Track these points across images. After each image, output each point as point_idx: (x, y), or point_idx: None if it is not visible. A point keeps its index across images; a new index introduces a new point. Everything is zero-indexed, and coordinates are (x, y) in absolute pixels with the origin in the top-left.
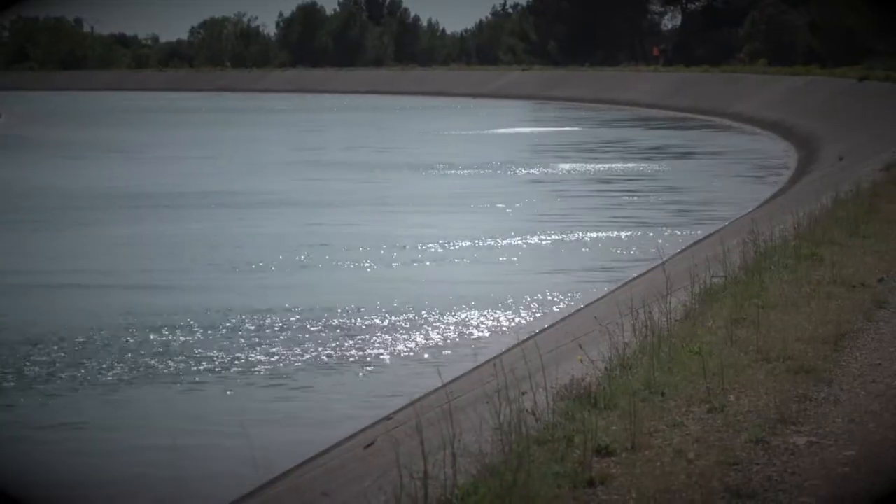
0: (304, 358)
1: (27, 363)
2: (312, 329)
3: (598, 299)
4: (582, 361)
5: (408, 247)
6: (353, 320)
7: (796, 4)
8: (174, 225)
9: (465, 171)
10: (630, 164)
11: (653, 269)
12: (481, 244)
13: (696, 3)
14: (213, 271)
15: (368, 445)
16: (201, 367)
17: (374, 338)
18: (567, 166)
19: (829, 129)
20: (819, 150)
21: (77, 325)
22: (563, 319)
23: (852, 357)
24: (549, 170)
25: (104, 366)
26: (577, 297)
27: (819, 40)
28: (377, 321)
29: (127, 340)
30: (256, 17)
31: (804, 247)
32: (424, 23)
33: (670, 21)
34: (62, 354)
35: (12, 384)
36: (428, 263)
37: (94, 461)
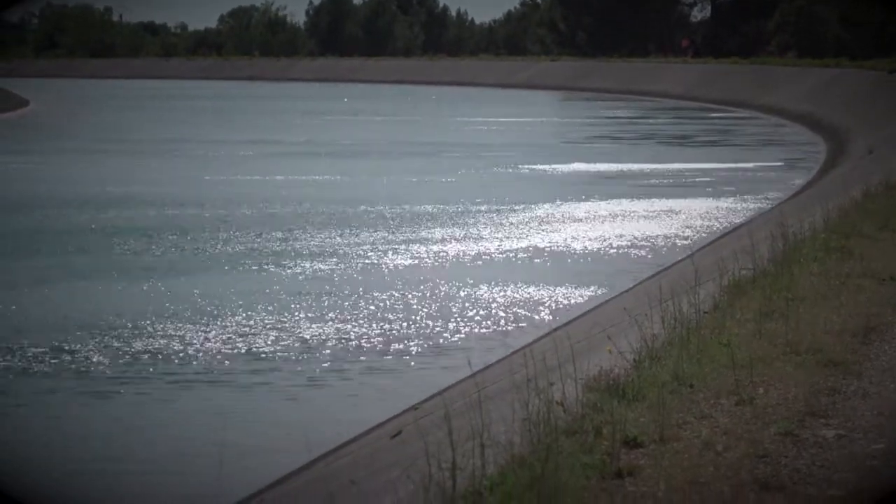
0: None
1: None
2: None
3: (627, 290)
4: (611, 352)
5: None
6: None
7: None
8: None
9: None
10: (659, 153)
11: (681, 260)
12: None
13: None
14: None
15: (395, 435)
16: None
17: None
18: (597, 155)
19: (858, 121)
20: (848, 142)
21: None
22: (592, 309)
23: (881, 350)
24: (580, 160)
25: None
26: (603, 288)
27: (849, 32)
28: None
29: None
30: (285, 7)
31: (834, 239)
32: (453, 13)
33: (700, 13)
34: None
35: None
36: (458, 250)
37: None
